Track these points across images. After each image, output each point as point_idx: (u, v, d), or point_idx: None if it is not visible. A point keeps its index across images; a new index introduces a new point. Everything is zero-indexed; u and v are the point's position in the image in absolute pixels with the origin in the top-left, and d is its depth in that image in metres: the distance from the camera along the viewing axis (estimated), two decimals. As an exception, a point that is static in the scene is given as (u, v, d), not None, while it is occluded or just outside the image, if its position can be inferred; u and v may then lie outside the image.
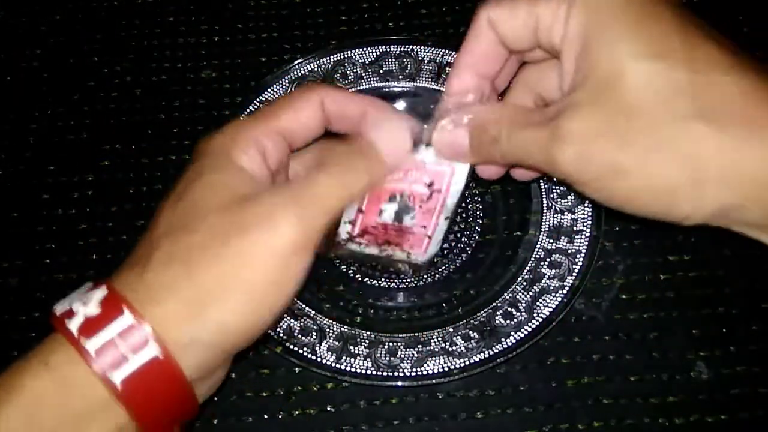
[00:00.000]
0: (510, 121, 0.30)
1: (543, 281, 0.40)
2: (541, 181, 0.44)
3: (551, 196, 0.43)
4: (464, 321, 0.40)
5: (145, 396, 0.27)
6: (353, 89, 0.47)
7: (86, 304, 0.27)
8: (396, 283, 0.43)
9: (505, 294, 0.40)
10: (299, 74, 0.48)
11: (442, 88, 0.47)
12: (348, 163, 0.31)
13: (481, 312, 0.40)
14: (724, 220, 0.27)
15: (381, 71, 0.48)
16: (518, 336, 0.39)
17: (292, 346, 0.39)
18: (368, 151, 0.31)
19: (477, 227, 0.44)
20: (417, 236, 0.37)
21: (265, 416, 0.39)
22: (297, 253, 0.28)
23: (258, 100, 0.47)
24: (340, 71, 0.48)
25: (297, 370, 0.40)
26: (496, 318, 0.40)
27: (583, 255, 0.41)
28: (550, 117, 0.28)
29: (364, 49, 0.48)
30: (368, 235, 0.37)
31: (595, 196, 0.28)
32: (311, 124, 0.33)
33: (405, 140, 0.32)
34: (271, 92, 0.47)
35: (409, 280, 0.43)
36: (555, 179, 0.44)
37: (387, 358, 0.39)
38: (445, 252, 0.43)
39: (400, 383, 0.38)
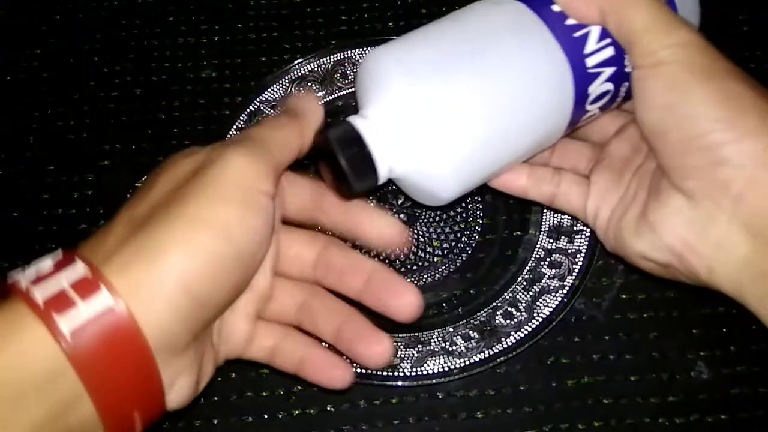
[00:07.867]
0: None
1: (543, 281, 0.40)
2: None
3: (551, 196, 0.43)
4: (464, 321, 0.40)
5: (99, 357, 0.23)
6: (353, 89, 0.47)
7: (40, 262, 0.25)
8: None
9: (505, 294, 0.41)
10: (299, 74, 0.48)
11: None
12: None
13: (481, 312, 0.40)
14: None
15: (381, 71, 0.48)
16: (518, 336, 0.39)
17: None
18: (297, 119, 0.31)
19: (477, 227, 0.44)
20: None
21: (265, 416, 0.39)
22: (254, 185, 0.27)
23: (258, 100, 0.47)
24: (340, 71, 0.48)
25: (297, 370, 0.40)
26: (496, 318, 0.40)
27: (583, 255, 0.41)
28: None
29: (364, 49, 0.48)
30: None
31: None
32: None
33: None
34: (271, 92, 0.47)
35: (408, 279, 0.42)
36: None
37: (387, 358, 0.39)
38: (445, 252, 0.43)
39: (400, 383, 0.38)
